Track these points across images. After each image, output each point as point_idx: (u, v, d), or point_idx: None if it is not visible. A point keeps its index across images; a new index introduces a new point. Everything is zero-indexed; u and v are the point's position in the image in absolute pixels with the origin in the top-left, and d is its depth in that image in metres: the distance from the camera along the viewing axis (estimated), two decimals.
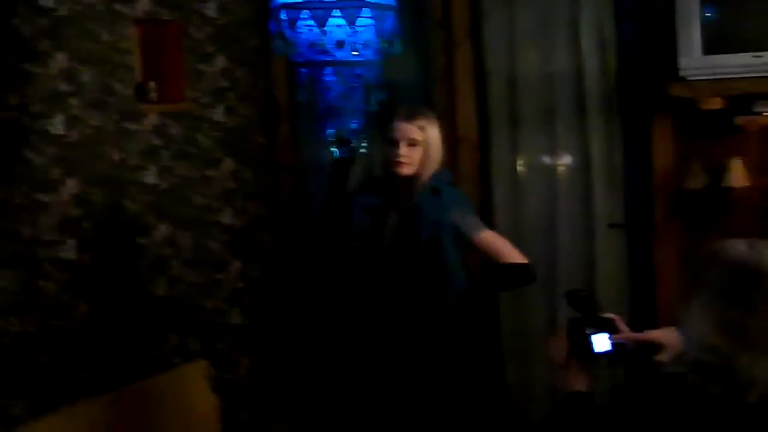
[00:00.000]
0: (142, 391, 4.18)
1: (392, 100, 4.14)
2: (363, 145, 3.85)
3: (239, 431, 4.76)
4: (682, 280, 3.84)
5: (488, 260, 3.44)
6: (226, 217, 4.74)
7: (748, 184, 4.01)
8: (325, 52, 3.61)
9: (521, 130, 4.66)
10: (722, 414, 1.89)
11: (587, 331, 2.16)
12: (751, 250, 1.91)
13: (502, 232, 4.32)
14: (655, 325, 4.05)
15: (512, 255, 3.36)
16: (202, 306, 4.64)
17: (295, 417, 4.96)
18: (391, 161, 3.42)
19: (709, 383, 1.87)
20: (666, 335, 2.26)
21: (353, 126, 3.74)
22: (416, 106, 3.59)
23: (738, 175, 4.01)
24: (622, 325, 2.25)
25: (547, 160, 4.65)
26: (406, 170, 3.40)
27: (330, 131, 3.72)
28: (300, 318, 4.99)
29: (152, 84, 4.37)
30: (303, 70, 3.65)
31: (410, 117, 3.41)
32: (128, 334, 4.28)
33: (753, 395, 1.86)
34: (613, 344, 2.17)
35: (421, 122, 3.41)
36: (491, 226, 4.07)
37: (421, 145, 3.41)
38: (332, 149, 3.72)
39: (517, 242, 4.42)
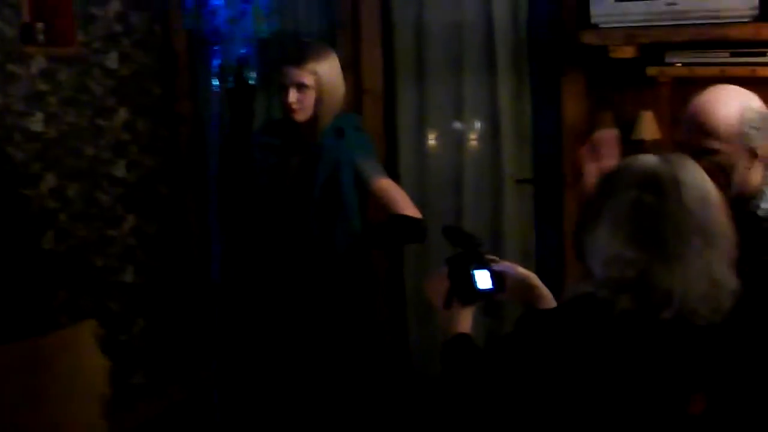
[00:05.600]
0: (27, 352, 3.98)
1: (283, 39, 3.94)
2: (252, 75, 3.63)
3: (132, 395, 4.56)
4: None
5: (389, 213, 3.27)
6: (119, 170, 4.52)
7: (658, 137, 3.92)
8: None
9: (428, 83, 4.50)
10: (635, 331, 1.79)
11: (470, 267, 2.02)
12: (660, 160, 1.87)
13: (408, 186, 4.19)
14: (563, 280, 4.00)
15: (407, 207, 3.18)
16: (92, 263, 4.42)
17: (193, 379, 4.78)
18: (283, 106, 3.24)
19: (620, 296, 1.78)
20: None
21: (242, 54, 3.51)
22: (308, 47, 3.35)
23: (648, 128, 3.92)
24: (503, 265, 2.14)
25: (454, 113, 4.50)
26: (299, 116, 3.22)
27: (216, 61, 3.48)
28: (197, 275, 4.79)
29: (39, 25, 4.12)
30: None
31: (300, 61, 3.20)
32: (12, 290, 4.03)
33: (669, 311, 1.76)
34: (493, 280, 2.03)
35: (312, 66, 3.21)
36: (396, 180, 3.91)
37: (314, 88, 3.21)
38: (215, 80, 3.50)
39: (422, 197, 4.32)
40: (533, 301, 2.12)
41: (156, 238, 4.69)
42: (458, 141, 4.50)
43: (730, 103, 2.39)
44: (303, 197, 3.25)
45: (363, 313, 3.41)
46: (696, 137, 2.39)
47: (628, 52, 3.84)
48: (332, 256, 3.27)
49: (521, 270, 2.15)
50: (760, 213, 2.38)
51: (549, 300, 2.12)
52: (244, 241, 3.66)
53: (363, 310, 3.41)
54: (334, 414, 3.40)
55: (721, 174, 2.31)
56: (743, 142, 2.37)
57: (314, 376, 3.37)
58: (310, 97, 3.20)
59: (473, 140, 4.46)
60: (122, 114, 4.52)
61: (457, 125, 4.51)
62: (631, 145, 3.95)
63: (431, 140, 4.53)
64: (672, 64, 3.81)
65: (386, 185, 3.23)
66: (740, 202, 2.34)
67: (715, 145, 2.36)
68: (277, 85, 3.27)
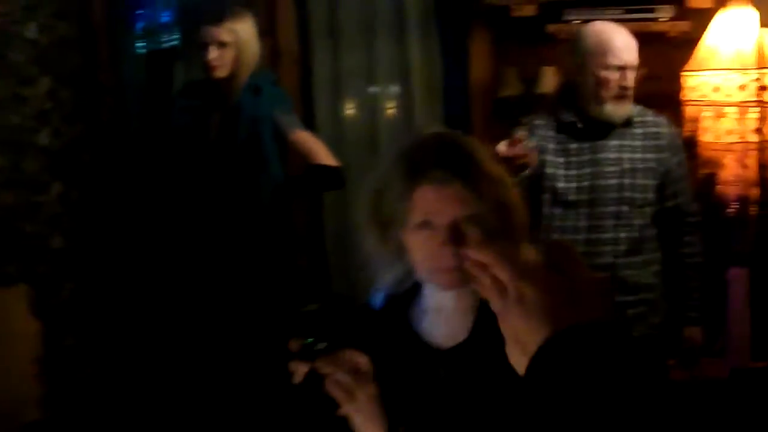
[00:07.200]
0: None
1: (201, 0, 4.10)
2: (174, 38, 3.79)
3: (65, 356, 4.67)
4: None
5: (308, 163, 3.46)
6: (43, 138, 4.61)
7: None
8: None
9: (342, 46, 4.66)
10: None
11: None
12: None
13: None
14: None
15: (324, 156, 3.39)
16: (21, 229, 4.51)
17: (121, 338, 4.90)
18: (204, 64, 3.42)
19: None
20: None
21: (164, 19, 3.68)
22: (225, 6, 3.55)
23: (550, 82, 4.13)
24: None
25: (368, 75, 4.67)
26: (219, 72, 3.41)
27: (139, 24, 3.64)
28: (123, 241, 4.91)
29: None
30: None
31: (219, 20, 3.40)
32: None
33: None
34: None
35: (230, 24, 3.40)
36: None
37: (232, 46, 3.40)
38: (140, 43, 3.64)
39: (340, 156, 4.48)
40: None
41: (82, 204, 4.79)
42: (372, 103, 4.67)
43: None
44: (226, 153, 3.42)
45: (285, 262, 3.59)
46: (620, 57, 3.10)
47: (528, 10, 4.06)
48: (256, 208, 3.45)
49: None
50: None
51: None
52: (171, 199, 3.80)
53: (285, 258, 3.59)
54: (254, 363, 3.56)
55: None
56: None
57: (237, 328, 3.54)
58: (230, 54, 3.40)
59: (387, 102, 4.64)
60: (44, 83, 4.61)
61: (372, 88, 4.68)
62: (535, 99, 4.18)
63: (346, 102, 4.69)
64: (569, 22, 4.03)
65: (303, 137, 3.43)
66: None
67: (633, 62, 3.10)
68: (198, 44, 3.45)
